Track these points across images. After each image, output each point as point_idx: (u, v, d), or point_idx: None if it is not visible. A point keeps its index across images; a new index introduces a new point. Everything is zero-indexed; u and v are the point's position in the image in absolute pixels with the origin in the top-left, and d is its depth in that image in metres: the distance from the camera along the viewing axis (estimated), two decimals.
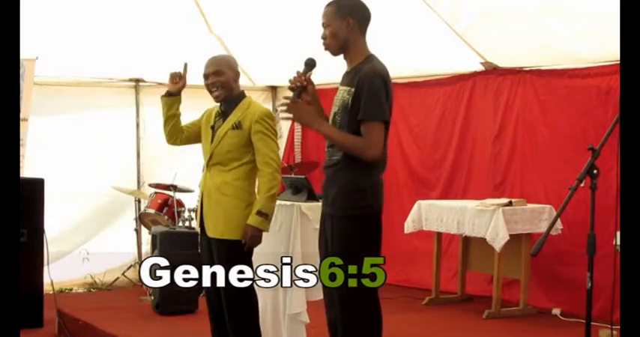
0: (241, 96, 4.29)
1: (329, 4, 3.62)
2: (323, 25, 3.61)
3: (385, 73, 3.53)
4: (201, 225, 4.28)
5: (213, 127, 4.28)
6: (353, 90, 3.49)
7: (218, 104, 4.33)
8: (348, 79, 3.59)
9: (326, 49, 3.64)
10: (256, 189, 4.23)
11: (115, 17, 6.80)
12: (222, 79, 4.22)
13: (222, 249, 4.13)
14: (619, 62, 4.75)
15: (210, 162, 4.23)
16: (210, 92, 4.26)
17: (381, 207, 3.59)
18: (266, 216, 4.11)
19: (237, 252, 4.08)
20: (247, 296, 4.16)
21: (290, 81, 3.58)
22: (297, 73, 3.59)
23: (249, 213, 4.14)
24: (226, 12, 7.09)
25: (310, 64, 3.64)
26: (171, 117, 4.36)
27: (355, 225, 3.51)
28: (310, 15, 6.31)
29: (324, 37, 3.61)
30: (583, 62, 6.00)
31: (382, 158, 3.58)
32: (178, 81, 4.34)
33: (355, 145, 3.48)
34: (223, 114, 4.26)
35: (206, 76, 4.25)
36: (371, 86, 3.45)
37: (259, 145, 4.15)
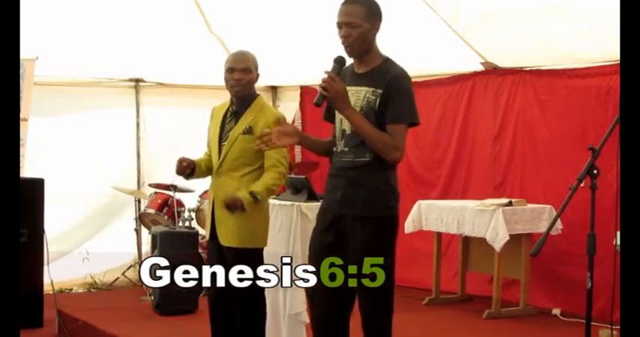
0: (254, 95, 4.22)
1: (357, 3, 3.48)
2: (351, 23, 3.44)
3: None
4: (212, 231, 4.20)
5: (223, 127, 4.20)
6: (380, 91, 3.44)
7: (223, 101, 4.28)
8: (368, 79, 3.50)
9: (348, 48, 3.50)
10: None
11: (115, 17, 6.79)
12: (248, 78, 4.14)
13: (237, 257, 4.02)
14: (619, 62, 4.75)
15: (221, 169, 4.17)
16: (231, 86, 4.14)
17: None
18: (255, 199, 4.03)
19: (252, 259, 4.00)
20: (261, 298, 4.19)
21: (321, 83, 3.41)
22: (326, 72, 3.42)
23: (262, 219, 4.16)
24: (226, 12, 7.08)
25: (340, 61, 3.49)
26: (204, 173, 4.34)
27: (391, 224, 3.61)
28: (310, 15, 6.35)
29: (347, 36, 3.46)
30: (583, 62, 6.00)
31: None
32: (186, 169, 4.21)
33: (385, 142, 3.43)
34: (235, 114, 4.18)
35: (232, 70, 4.11)
36: (405, 89, 3.44)
37: (270, 151, 4.02)
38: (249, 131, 4.10)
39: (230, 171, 4.14)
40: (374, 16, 3.50)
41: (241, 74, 4.11)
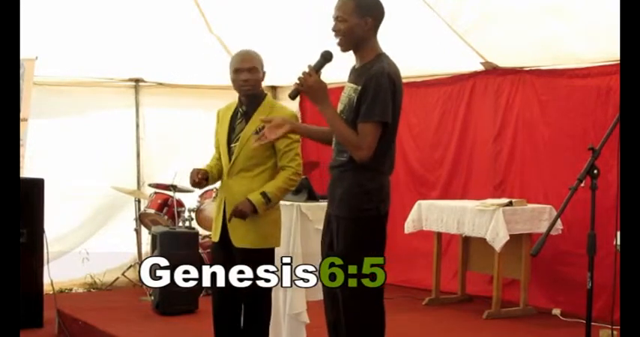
0: (263, 95, 4.21)
1: None
2: (338, 18, 3.46)
3: (394, 73, 3.45)
4: (223, 234, 4.13)
5: (232, 128, 4.16)
6: (360, 88, 3.42)
7: (227, 103, 4.26)
8: (356, 76, 3.51)
9: (338, 43, 3.50)
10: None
11: (115, 17, 6.80)
12: (255, 78, 4.13)
13: (252, 258, 3.94)
14: (619, 62, 4.75)
15: (232, 170, 4.12)
16: (239, 87, 4.11)
17: (388, 210, 3.53)
18: (268, 200, 3.99)
19: (266, 259, 3.97)
20: (265, 298, 4.17)
21: (299, 77, 3.42)
22: (309, 67, 3.43)
23: (276, 219, 4.13)
24: (226, 12, 7.09)
25: (326, 57, 3.47)
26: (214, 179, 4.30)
27: (360, 227, 3.45)
28: (311, 14, 6.35)
29: (337, 30, 3.47)
30: (583, 62, 6.00)
31: (389, 159, 3.53)
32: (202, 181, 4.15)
33: (350, 141, 3.40)
34: (245, 115, 4.14)
35: (238, 70, 4.08)
36: (377, 86, 3.37)
37: (286, 150, 4.06)
38: (261, 130, 4.03)
39: (242, 172, 4.10)
40: (364, 11, 3.46)
41: (248, 74, 4.09)
